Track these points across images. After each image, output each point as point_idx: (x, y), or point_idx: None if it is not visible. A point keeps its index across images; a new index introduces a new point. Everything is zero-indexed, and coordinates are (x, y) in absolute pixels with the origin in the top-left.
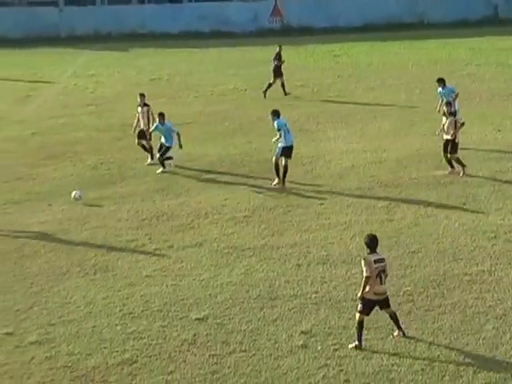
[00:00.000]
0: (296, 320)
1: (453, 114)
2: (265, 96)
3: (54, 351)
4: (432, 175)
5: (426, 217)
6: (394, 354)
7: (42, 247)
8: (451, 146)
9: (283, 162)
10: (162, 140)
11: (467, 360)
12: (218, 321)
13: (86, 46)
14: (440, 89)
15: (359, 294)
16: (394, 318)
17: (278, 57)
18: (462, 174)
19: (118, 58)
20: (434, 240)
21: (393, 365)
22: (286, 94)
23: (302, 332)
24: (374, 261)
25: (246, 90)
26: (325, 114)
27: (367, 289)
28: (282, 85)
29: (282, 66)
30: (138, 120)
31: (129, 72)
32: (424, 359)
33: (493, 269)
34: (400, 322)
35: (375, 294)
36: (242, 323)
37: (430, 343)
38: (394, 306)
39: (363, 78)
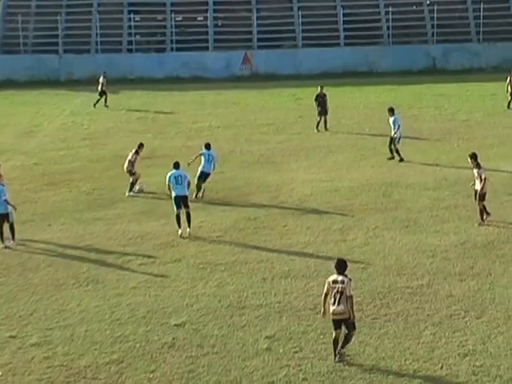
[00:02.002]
0: (261, 326)
1: (479, 166)
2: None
3: (51, 352)
4: (380, 202)
5: (374, 238)
6: (346, 356)
7: (42, 261)
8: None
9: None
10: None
11: (408, 361)
12: (194, 326)
13: (82, 89)
14: (392, 118)
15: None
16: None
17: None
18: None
19: (110, 99)
20: (381, 258)
21: (345, 365)
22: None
23: (267, 337)
24: (332, 281)
25: (219, 127)
26: (288, 148)
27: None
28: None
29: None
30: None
31: (119, 111)
32: (372, 360)
33: (431, 283)
34: (339, 348)
35: (331, 313)
36: (215, 329)
37: (377, 347)
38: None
39: None
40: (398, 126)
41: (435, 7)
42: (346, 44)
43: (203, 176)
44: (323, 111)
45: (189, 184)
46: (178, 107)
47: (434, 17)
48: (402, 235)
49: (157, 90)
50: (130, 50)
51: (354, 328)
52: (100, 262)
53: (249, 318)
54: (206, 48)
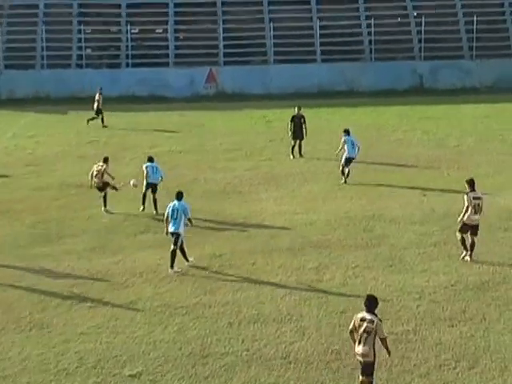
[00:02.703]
0: (227, 377)
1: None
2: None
3: None
4: (360, 237)
5: (354, 277)
6: None
7: None
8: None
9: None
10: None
11: None
12: (151, 377)
13: (26, 109)
14: (345, 137)
15: None
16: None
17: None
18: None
19: (58, 120)
20: (361, 300)
21: None
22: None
23: None
24: (360, 319)
25: (181, 152)
26: (258, 176)
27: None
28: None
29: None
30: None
31: (68, 134)
32: None
33: (418, 328)
34: None
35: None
36: (174, 380)
37: None
38: (323, 365)
39: None
40: (358, 148)
41: (423, 19)
42: (322, 60)
43: (149, 186)
44: (299, 135)
45: (190, 221)
46: (133, 129)
47: (421, 30)
48: (386, 275)
49: (110, 109)
50: (79, 66)
51: (371, 374)
52: (45, 305)
53: (213, 367)
54: (166, 64)
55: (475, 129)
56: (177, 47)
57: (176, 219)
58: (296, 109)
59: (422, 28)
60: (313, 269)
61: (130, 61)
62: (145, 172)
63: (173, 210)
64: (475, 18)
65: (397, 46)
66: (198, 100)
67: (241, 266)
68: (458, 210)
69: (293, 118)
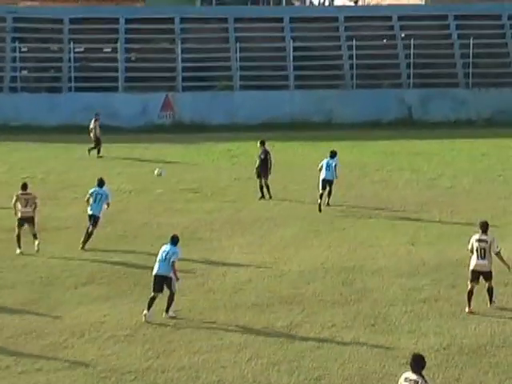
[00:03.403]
0: None
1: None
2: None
3: None
4: (338, 292)
5: (330, 339)
6: None
7: None
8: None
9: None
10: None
11: None
12: None
13: None
14: (328, 159)
15: None
16: None
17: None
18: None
19: None
20: (339, 365)
21: None
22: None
23: None
24: (404, 379)
25: (131, 191)
26: (220, 220)
27: None
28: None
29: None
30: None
31: None
32: None
33: None
34: None
35: None
36: None
37: None
38: None
39: None
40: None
41: (412, 41)
42: (296, 86)
43: (92, 219)
44: (263, 173)
45: (174, 270)
46: (76, 164)
47: (410, 53)
48: (367, 336)
49: (49, 141)
50: (13, 89)
51: None
52: None
53: None
54: (116, 88)
55: (471, 168)
56: (128, 69)
57: (164, 261)
58: (259, 144)
59: (411, 51)
60: (283, 327)
61: (72, 84)
62: (88, 198)
63: (163, 252)
64: (471, 41)
65: (382, 71)
66: (151, 131)
67: (199, 324)
68: (452, 262)
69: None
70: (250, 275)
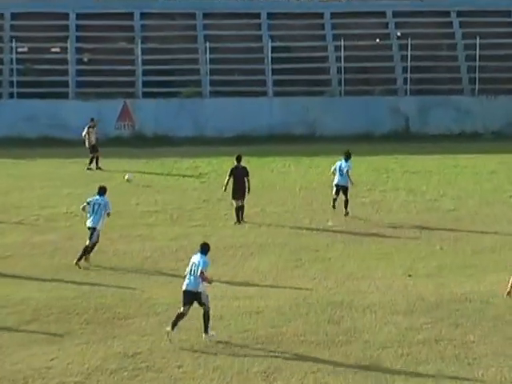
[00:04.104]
0: None
1: None
2: None
3: None
4: (324, 331)
5: None
6: None
7: None
8: None
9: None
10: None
11: None
12: None
13: None
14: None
15: None
16: None
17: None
18: None
19: None
20: None
21: None
22: None
23: None
24: None
25: (83, 215)
26: (186, 248)
27: None
28: None
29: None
30: None
31: None
32: None
33: None
34: None
35: None
36: None
37: None
38: None
39: None
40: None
41: (409, 41)
42: (275, 93)
43: (90, 231)
44: (239, 193)
45: (203, 278)
46: (18, 184)
47: (406, 55)
48: (357, 383)
49: None
50: None
51: None
52: None
53: None
54: (65, 94)
55: (478, 188)
56: (80, 72)
57: (193, 275)
58: (235, 160)
59: (408, 52)
60: (259, 373)
61: (14, 90)
62: (84, 206)
63: (192, 264)
64: (478, 41)
65: (374, 75)
66: (107, 144)
67: (163, 369)
68: (455, 297)
69: (231, 172)
70: (221, 312)
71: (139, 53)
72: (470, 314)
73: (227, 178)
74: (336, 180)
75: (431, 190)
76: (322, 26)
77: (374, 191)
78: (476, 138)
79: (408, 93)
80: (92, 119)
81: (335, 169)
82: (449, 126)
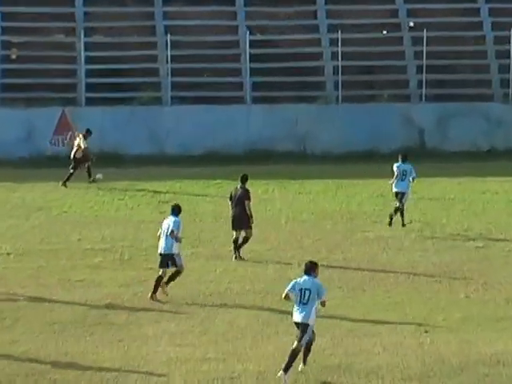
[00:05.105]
0: None
1: None
2: None
3: None
4: None
5: None
6: None
7: None
8: None
9: None
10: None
11: None
12: None
13: None
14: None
15: None
16: None
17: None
18: None
19: None
20: None
21: None
22: None
23: None
24: None
25: (9, 254)
26: (142, 297)
27: None
28: None
29: None
30: None
31: None
32: None
33: None
34: None
35: None
36: None
37: None
38: None
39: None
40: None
41: (424, 34)
42: (255, 99)
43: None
44: (239, 222)
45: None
46: None
47: (422, 51)
48: None
49: None
50: None
51: None
52: None
53: None
54: None
55: None
56: (5, 73)
57: (306, 304)
58: (239, 181)
59: (424, 48)
60: None
61: None
62: (159, 232)
63: (301, 290)
64: None
65: (380, 77)
66: (40, 163)
67: None
68: (484, 358)
69: (230, 195)
70: (185, 378)
71: (82, 48)
72: (504, 382)
73: (229, 202)
74: (396, 187)
75: (453, 222)
76: (314, 14)
77: (380, 224)
78: (510, 155)
79: (423, 99)
80: (88, 130)
81: (396, 174)
82: (475, 141)
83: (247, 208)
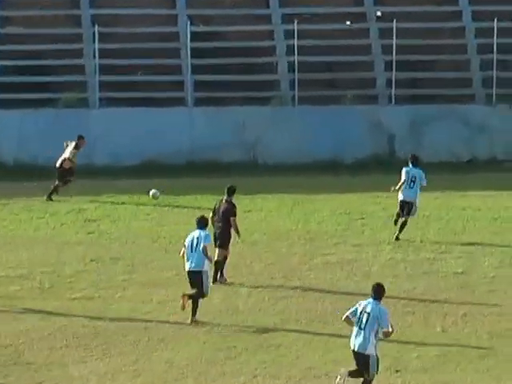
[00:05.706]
0: None
1: None
2: None
3: None
4: None
5: None
6: None
7: None
8: None
9: None
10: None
11: None
12: None
13: None
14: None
15: None
16: None
17: None
18: None
19: None
20: None
21: None
22: None
23: None
24: None
25: None
26: (65, 331)
27: None
28: None
29: None
30: None
31: None
32: None
33: None
34: None
35: None
36: None
37: None
38: None
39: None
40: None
41: (394, 25)
42: (197, 101)
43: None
44: (221, 238)
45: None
46: None
47: (391, 45)
48: None
49: None
50: None
51: None
52: None
53: None
54: None
55: (497, 240)
56: None
57: (363, 329)
58: (225, 193)
59: (393, 41)
60: None
61: None
62: (182, 251)
63: (361, 312)
64: (495, 25)
65: (343, 75)
66: None
67: None
68: None
69: (213, 208)
70: None
71: None
72: None
73: (211, 214)
74: (402, 196)
75: (429, 243)
76: (266, 2)
77: (343, 245)
78: (493, 165)
79: (393, 100)
80: (80, 136)
81: (404, 179)
82: (453, 149)
83: (233, 225)
